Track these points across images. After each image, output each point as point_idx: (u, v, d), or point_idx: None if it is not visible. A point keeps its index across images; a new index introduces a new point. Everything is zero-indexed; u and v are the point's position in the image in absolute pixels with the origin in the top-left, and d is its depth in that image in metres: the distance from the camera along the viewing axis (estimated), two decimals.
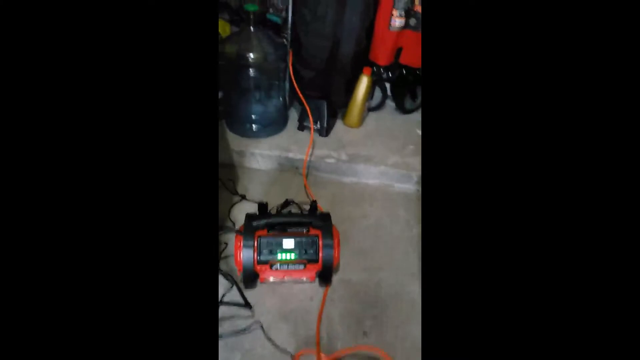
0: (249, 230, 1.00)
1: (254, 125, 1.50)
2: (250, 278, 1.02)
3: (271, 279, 1.05)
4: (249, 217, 1.03)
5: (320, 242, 1.01)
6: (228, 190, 1.37)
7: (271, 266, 1.01)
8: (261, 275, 1.03)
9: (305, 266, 1.01)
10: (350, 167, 1.43)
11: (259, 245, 1.00)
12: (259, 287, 1.06)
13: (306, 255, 1.00)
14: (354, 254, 1.19)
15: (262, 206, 1.10)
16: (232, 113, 1.50)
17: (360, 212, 1.33)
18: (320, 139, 1.53)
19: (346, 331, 0.99)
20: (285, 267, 1.02)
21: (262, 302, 1.04)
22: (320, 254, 1.01)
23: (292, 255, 1.01)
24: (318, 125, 1.53)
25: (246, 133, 1.51)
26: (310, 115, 1.48)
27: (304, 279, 1.06)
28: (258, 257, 1.00)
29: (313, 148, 1.47)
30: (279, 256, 1.01)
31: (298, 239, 1.01)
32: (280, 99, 1.55)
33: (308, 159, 1.44)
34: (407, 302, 1.06)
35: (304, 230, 1.03)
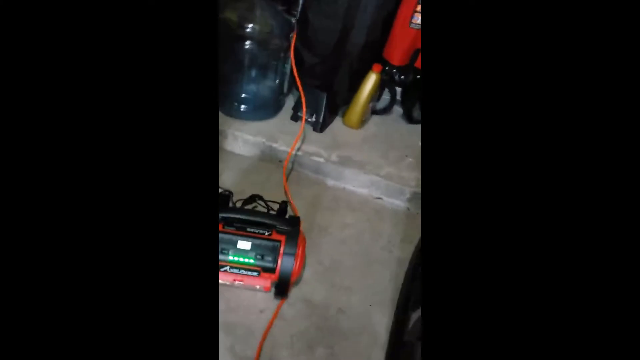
0: None
1: (242, 105, 1.35)
2: None
3: (219, 280, 0.92)
4: None
5: (282, 250, 0.87)
6: None
7: (220, 267, 0.87)
8: None
9: (259, 274, 0.87)
10: (339, 170, 1.29)
11: None
12: None
13: (262, 262, 0.86)
14: (322, 268, 1.05)
15: (224, 197, 0.95)
16: (220, 87, 1.34)
17: (340, 222, 1.19)
18: (313, 135, 1.38)
19: (292, 357, 0.85)
20: (236, 270, 0.88)
21: None
22: (279, 263, 0.86)
23: (246, 259, 0.87)
24: (313, 118, 1.38)
25: (232, 112, 1.35)
26: (304, 105, 1.33)
27: (257, 287, 0.91)
28: None
29: (302, 142, 1.32)
30: (231, 257, 0.87)
31: (257, 241, 0.87)
32: (277, 81, 1.39)
33: (294, 152, 1.29)
34: (370, 335, 0.92)
35: (266, 233, 0.88)
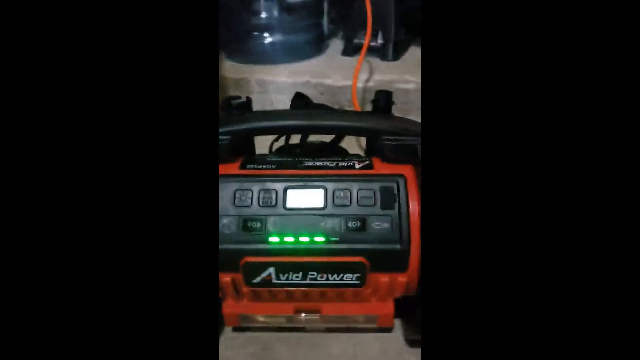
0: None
1: (267, 40, 0.85)
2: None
3: (260, 318, 0.37)
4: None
5: (411, 198, 0.32)
6: None
7: (252, 276, 0.33)
8: (228, 309, 0.36)
9: (363, 279, 0.32)
10: None
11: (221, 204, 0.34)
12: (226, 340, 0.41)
13: (368, 243, 0.32)
14: None
15: (235, 104, 0.40)
16: (230, 24, 0.85)
17: None
18: (382, 65, 0.84)
19: None
20: (299, 277, 0.33)
21: None
22: (414, 236, 0.32)
23: (320, 238, 0.32)
24: (380, 41, 0.86)
25: (253, 56, 0.86)
26: (368, 7, 0.76)
27: (361, 320, 0.37)
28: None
29: (370, 73, 0.79)
30: (273, 239, 0.32)
31: (341, 185, 0.33)
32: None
33: (362, 86, 0.76)
34: None
35: (356, 163, 0.35)
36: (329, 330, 0.42)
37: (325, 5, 0.94)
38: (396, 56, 0.88)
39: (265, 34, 0.86)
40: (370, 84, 0.78)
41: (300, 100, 0.44)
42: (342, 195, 0.33)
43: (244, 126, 0.36)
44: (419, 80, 0.78)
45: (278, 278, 0.33)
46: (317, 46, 0.93)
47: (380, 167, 0.36)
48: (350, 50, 0.91)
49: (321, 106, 0.48)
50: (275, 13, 0.85)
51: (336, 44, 0.98)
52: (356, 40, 0.89)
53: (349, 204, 0.33)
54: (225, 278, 0.34)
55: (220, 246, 0.33)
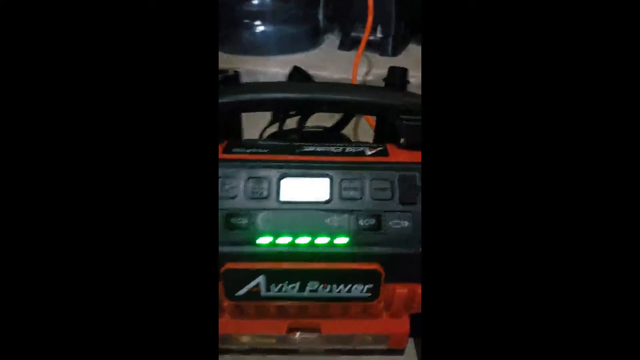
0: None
1: (258, 29, 0.80)
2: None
3: (244, 338, 0.30)
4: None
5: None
6: None
7: (236, 287, 0.26)
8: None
9: (375, 292, 0.26)
10: None
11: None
12: None
13: (384, 245, 0.26)
14: None
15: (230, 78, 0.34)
16: (220, 13, 0.80)
17: None
18: (382, 60, 0.79)
19: None
20: (296, 288, 0.27)
21: None
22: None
23: (325, 239, 0.26)
24: (379, 35, 0.81)
25: (244, 46, 0.80)
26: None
27: (369, 338, 0.31)
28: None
29: (370, 68, 0.74)
30: (264, 240, 0.26)
31: (349, 176, 0.27)
32: None
33: (361, 80, 0.72)
34: None
35: (368, 150, 0.30)
36: (329, 352, 0.36)
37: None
38: (395, 51, 0.84)
39: (257, 22, 0.80)
40: (369, 77, 0.73)
41: (298, 75, 0.38)
42: (351, 186, 0.27)
43: (229, 98, 0.30)
44: (419, 75, 0.74)
45: (269, 290, 0.27)
46: (312, 39, 0.87)
47: (397, 154, 0.30)
48: (348, 44, 0.86)
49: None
50: (268, 0, 0.81)
51: (332, 40, 0.93)
52: (354, 34, 0.84)
53: (360, 197, 0.27)
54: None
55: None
